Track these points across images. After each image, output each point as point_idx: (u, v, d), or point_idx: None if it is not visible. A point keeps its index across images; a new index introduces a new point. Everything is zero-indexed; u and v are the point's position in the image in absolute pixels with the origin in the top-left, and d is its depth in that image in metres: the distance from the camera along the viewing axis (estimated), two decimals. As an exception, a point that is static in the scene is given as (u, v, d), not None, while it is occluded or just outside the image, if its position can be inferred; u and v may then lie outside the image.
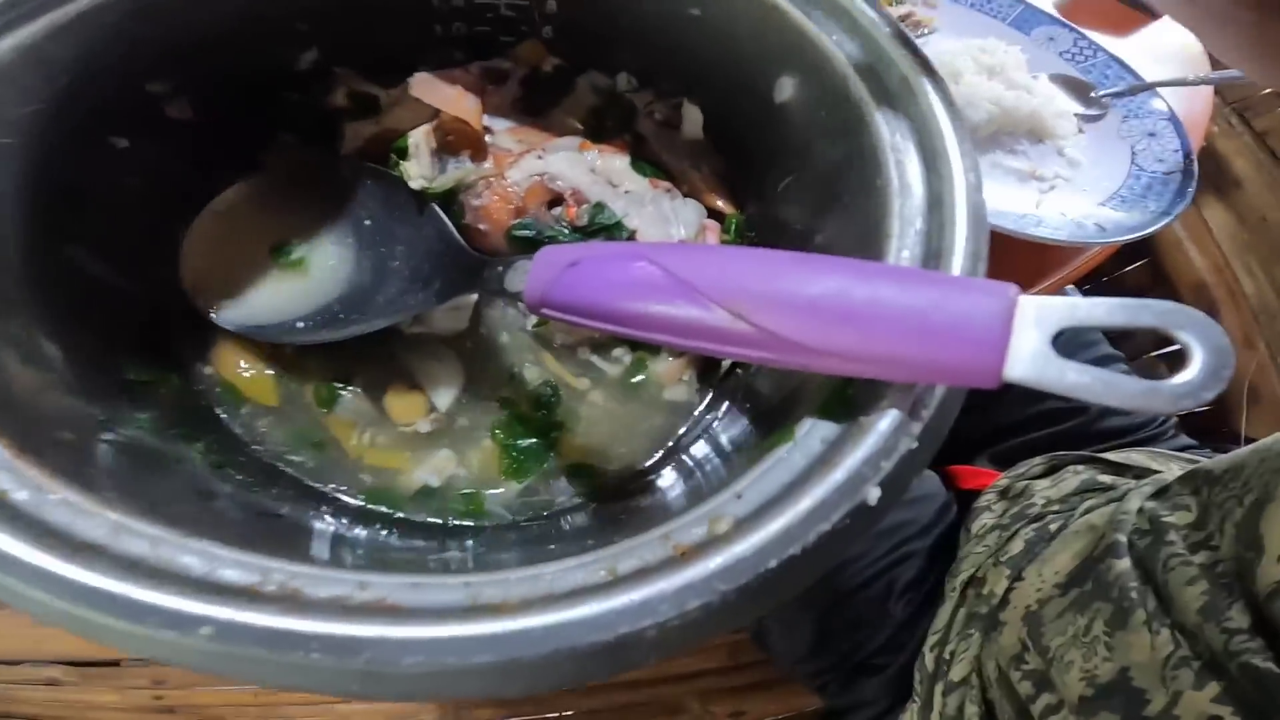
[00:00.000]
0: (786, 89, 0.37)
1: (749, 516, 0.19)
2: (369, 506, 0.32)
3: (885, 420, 0.20)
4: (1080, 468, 0.57)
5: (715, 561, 0.18)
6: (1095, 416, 0.65)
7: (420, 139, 0.40)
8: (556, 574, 0.19)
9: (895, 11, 0.68)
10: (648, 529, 0.20)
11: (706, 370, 0.39)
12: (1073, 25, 0.68)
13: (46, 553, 0.16)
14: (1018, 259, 0.52)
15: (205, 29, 0.35)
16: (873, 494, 0.19)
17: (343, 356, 0.35)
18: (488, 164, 0.40)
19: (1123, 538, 0.41)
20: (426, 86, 0.41)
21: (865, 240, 0.28)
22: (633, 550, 0.19)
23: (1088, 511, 0.48)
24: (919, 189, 0.27)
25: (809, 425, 0.21)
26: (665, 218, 0.37)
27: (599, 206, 0.37)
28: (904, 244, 0.26)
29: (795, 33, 0.34)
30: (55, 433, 0.22)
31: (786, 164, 0.37)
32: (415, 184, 0.39)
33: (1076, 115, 0.60)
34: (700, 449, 0.35)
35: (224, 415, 0.33)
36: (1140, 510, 0.42)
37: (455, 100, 0.41)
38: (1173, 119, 0.58)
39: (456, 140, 0.42)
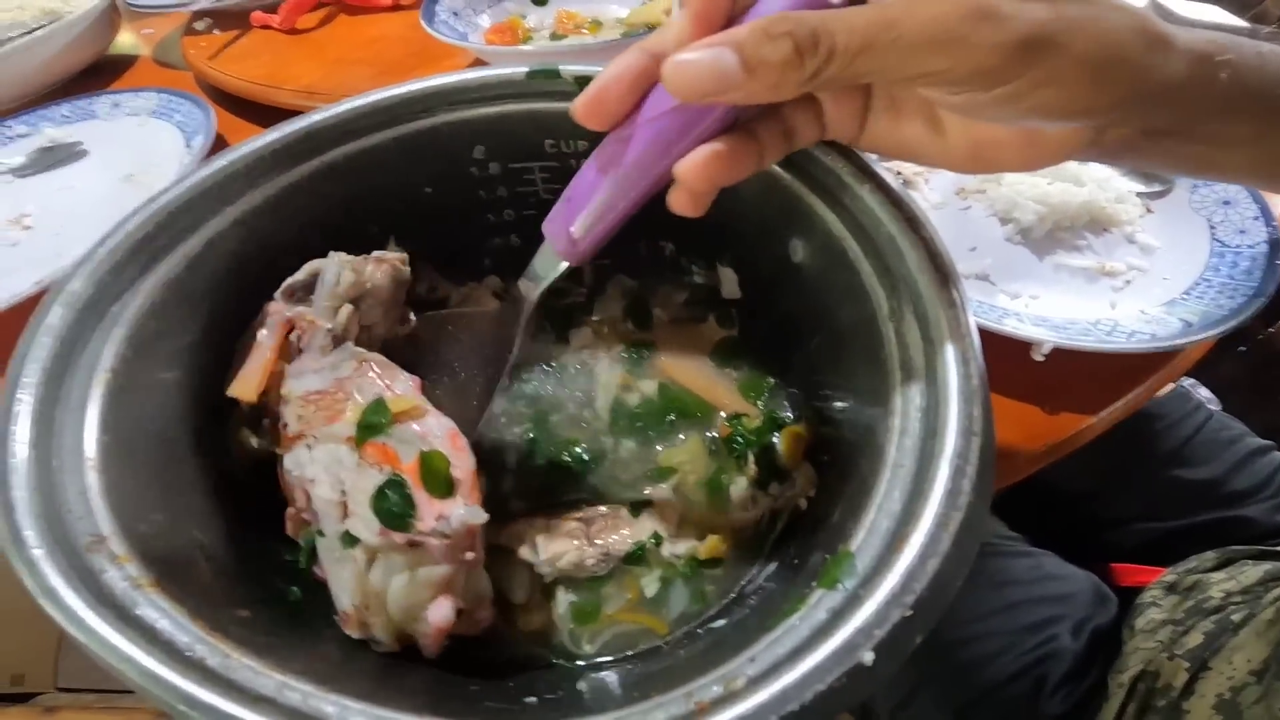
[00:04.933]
0: (799, 250, 0.38)
1: (759, 677, 0.22)
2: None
3: (881, 593, 0.23)
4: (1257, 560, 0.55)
5: (726, 716, 0.22)
6: (1271, 510, 0.63)
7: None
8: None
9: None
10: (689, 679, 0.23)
11: (754, 540, 0.39)
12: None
13: (235, 704, 0.22)
14: (1098, 370, 0.47)
15: (295, 239, 0.39)
16: (868, 657, 0.22)
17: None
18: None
19: None
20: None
21: (875, 409, 0.30)
22: (661, 705, 0.23)
23: (1277, 600, 0.47)
24: (919, 361, 0.27)
25: (818, 596, 0.24)
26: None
27: None
28: (906, 423, 0.27)
29: (793, 196, 0.36)
30: (234, 611, 0.28)
31: (814, 324, 0.38)
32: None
33: (1139, 195, 0.56)
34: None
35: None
36: None
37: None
38: (1247, 181, 0.54)
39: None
